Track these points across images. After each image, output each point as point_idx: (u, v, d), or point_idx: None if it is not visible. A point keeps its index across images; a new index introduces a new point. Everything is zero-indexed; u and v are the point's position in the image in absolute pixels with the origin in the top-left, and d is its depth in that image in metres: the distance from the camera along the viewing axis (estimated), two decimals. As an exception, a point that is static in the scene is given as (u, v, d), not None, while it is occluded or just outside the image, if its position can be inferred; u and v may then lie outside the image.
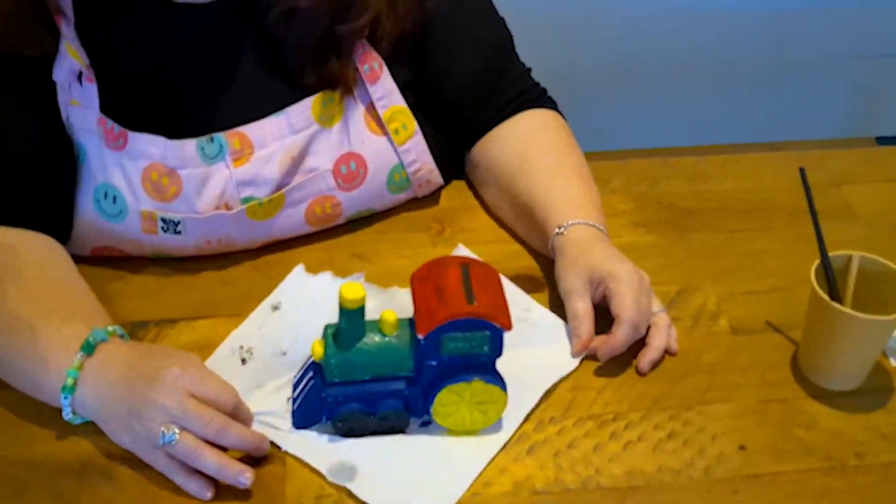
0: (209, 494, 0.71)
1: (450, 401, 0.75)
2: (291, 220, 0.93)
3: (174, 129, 0.86)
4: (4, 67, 0.83)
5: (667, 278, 0.93)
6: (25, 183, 0.85)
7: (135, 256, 0.92)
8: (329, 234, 0.97)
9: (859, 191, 1.06)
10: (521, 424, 0.78)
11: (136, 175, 0.86)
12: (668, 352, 0.85)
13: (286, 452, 0.75)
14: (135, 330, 0.86)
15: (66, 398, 0.74)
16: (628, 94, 1.68)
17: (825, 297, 0.78)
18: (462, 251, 0.94)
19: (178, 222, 0.88)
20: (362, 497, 0.72)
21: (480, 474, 0.75)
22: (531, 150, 0.97)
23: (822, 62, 1.75)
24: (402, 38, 0.92)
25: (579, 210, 0.89)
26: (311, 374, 0.76)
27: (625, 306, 0.81)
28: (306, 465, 0.75)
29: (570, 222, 0.88)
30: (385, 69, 0.92)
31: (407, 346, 0.74)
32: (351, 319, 0.72)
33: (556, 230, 0.88)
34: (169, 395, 0.70)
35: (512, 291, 0.89)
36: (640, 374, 0.83)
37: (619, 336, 0.81)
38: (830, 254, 0.81)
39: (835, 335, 0.79)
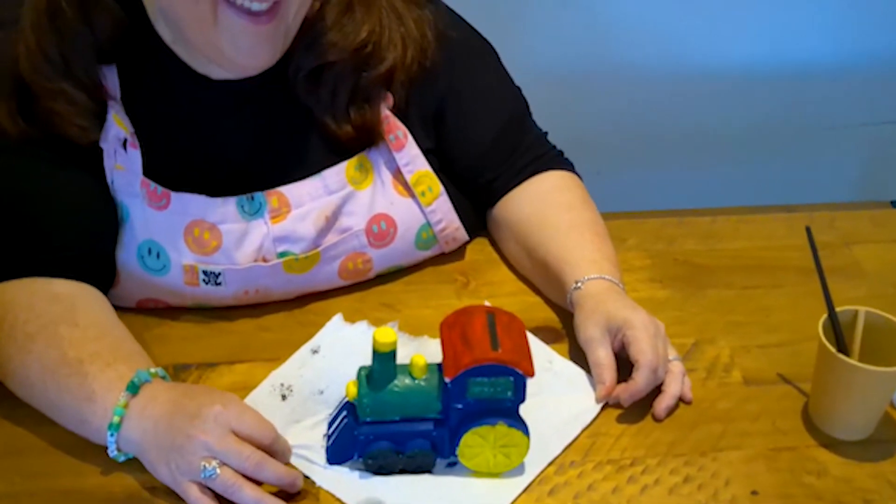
0: None
1: (475, 443, 0.79)
2: (325, 274, 0.98)
3: (212, 189, 0.92)
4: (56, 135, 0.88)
5: (682, 331, 0.97)
6: (72, 238, 0.90)
7: (176, 307, 0.97)
8: (360, 286, 1.02)
9: (868, 250, 1.10)
10: (544, 469, 0.82)
11: (179, 231, 0.92)
12: (682, 399, 0.89)
13: (319, 488, 0.79)
14: (177, 373, 0.91)
15: (111, 435, 0.78)
16: (643, 159, 1.73)
17: (833, 349, 0.82)
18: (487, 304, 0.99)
19: (219, 274, 0.93)
20: None
21: (503, 514, 0.79)
22: (547, 208, 1.02)
23: (836, 128, 1.80)
24: (422, 107, 0.98)
25: (594, 265, 0.94)
26: (344, 412, 0.81)
27: (643, 351, 0.85)
28: (338, 501, 0.79)
29: (586, 277, 0.93)
30: (409, 137, 0.98)
31: (435, 389, 0.79)
32: (383, 362, 0.77)
33: (574, 285, 0.93)
34: (210, 431, 0.75)
35: (535, 344, 0.93)
36: (657, 419, 0.87)
37: (640, 380, 0.85)
38: (838, 309, 0.85)
39: (843, 386, 0.83)
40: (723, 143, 1.76)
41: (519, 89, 1.07)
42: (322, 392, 0.87)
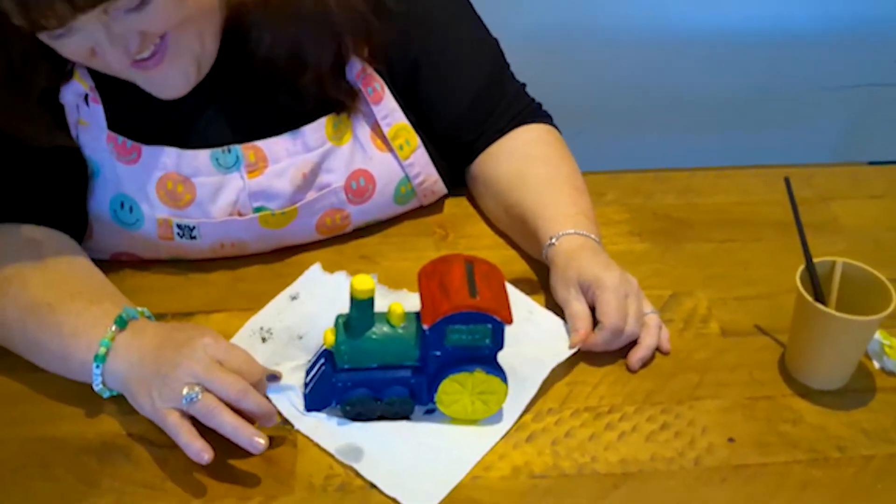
0: (207, 457, 0.73)
1: (453, 390, 0.79)
2: (302, 228, 0.97)
3: (186, 142, 0.91)
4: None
5: (660, 283, 0.97)
6: (42, 187, 0.89)
7: (152, 259, 0.96)
8: (338, 238, 1.01)
9: (846, 206, 1.10)
10: (521, 415, 0.82)
11: (151, 185, 0.90)
12: (659, 350, 0.89)
13: (298, 433, 0.79)
14: (153, 321, 0.90)
15: (97, 367, 0.78)
16: (622, 121, 1.72)
17: (810, 298, 0.82)
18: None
19: (194, 227, 0.92)
20: (368, 477, 0.76)
21: (481, 460, 0.79)
22: (524, 164, 1.01)
23: (814, 91, 1.81)
24: (397, 62, 0.96)
25: (569, 220, 0.94)
26: (322, 360, 0.80)
27: (606, 313, 0.85)
28: (316, 447, 0.79)
29: (561, 233, 0.92)
30: (387, 90, 0.97)
31: (413, 337, 0.78)
32: (361, 309, 0.77)
33: (549, 241, 0.92)
34: (198, 360, 0.75)
35: (515, 295, 0.93)
36: (630, 370, 0.87)
37: (598, 339, 0.86)
38: (815, 260, 0.85)
39: (819, 335, 0.83)
40: (702, 106, 1.76)
41: (496, 42, 1.05)
42: (301, 338, 0.87)
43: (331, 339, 0.78)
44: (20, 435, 0.80)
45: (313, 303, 0.91)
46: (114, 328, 0.78)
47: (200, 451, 0.74)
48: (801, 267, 0.85)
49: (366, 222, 1.02)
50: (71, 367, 0.80)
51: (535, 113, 1.07)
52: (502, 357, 0.80)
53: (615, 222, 1.06)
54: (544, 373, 0.84)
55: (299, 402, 0.81)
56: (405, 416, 0.81)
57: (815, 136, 1.87)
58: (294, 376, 0.83)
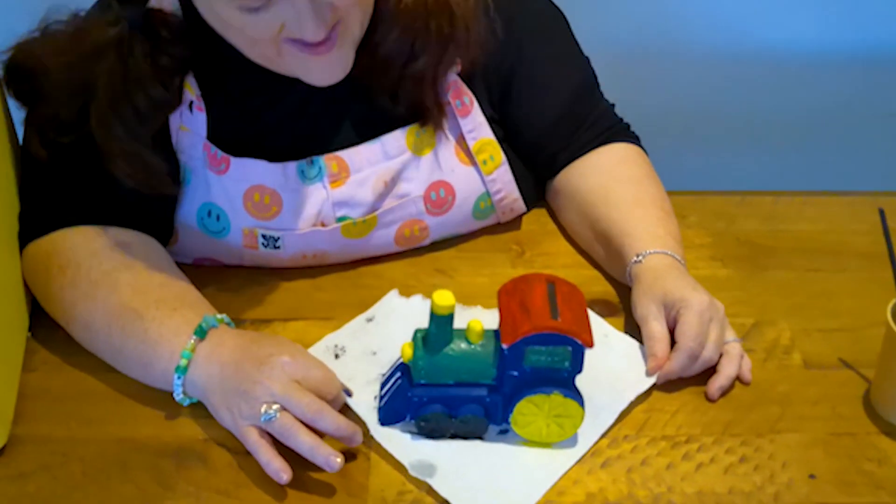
0: (286, 477, 0.74)
1: (529, 411, 0.78)
2: (381, 240, 0.98)
3: (272, 154, 0.91)
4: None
5: (742, 311, 0.95)
6: (134, 190, 0.90)
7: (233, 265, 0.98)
8: (414, 252, 1.01)
9: (936, 239, 1.07)
10: (597, 441, 0.81)
11: (238, 196, 0.91)
12: (740, 380, 0.87)
13: (371, 448, 0.79)
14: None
15: (178, 378, 0.79)
16: (704, 141, 1.69)
17: (901, 334, 0.80)
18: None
19: (278, 238, 0.93)
20: (443, 493, 0.76)
21: (554, 484, 0.78)
22: (612, 181, 1.01)
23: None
24: (488, 75, 0.96)
25: (657, 240, 0.93)
26: (398, 374, 0.80)
27: (685, 334, 0.84)
28: (390, 462, 0.79)
29: (647, 251, 0.91)
30: (476, 104, 0.97)
31: (491, 355, 0.78)
32: (440, 325, 0.76)
33: (635, 258, 0.91)
34: (276, 378, 0.76)
35: (591, 317, 0.92)
36: (710, 399, 0.85)
37: (674, 362, 0.84)
38: (907, 294, 0.83)
39: (909, 373, 0.81)
40: (787, 128, 1.72)
41: (587, 60, 1.05)
42: (375, 353, 0.87)
43: (409, 353, 0.78)
44: (98, 434, 0.81)
45: (388, 323, 0.91)
46: (194, 339, 0.79)
47: (279, 470, 0.74)
48: (893, 300, 0.82)
49: (443, 235, 1.02)
50: (153, 375, 0.81)
51: (623, 132, 1.06)
52: (577, 381, 0.79)
53: (697, 246, 1.04)
54: (623, 403, 0.83)
55: (372, 415, 0.81)
56: (479, 436, 0.80)
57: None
58: (367, 390, 0.83)
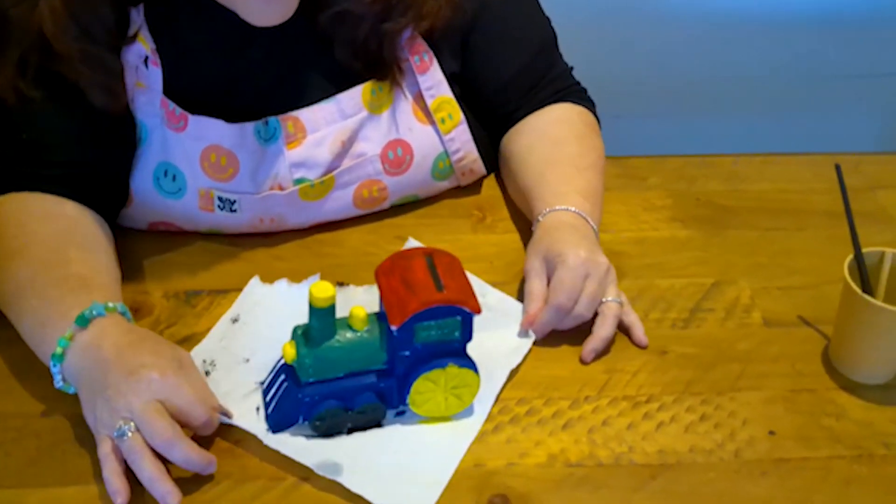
0: (119, 501, 0.70)
1: (426, 388, 0.76)
2: (340, 202, 0.96)
3: (231, 114, 0.90)
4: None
5: (702, 271, 0.95)
6: (81, 155, 0.89)
7: (190, 231, 0.96)
8: (374, 217, 1.00)
9: (894, 195, 1.07)
10: (493, 404, 0.80)
11: (196, 155, 0.90)
12: (635, 344, 0.87)
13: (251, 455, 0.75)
14: (189, 298, 0.90)
15: (54, 366, 0.75)
16: (664, 105, 1.69)
17: (857, 289, 0.80)
18: (412, 242, 0.96)
19: (234, 201, 0.92)
20: (355, 489, 0.72)
21: (517, 445, 0.78)
22: (537, 141, 1.00)
23: (863, 77, 1.76)
24: (448, 29, 0.95)
25: (559, 197, 0.92)
26: (282, 377, 0.76)
27: (554, 288, 0.84)
28: (271, 468, 0.75)
29: (547, 209, 0.91)
30: (434, 60, 0.96)
31: (379, 339, 0.75)
32: (322, 318, 0.73)
33: (538, 219, 0.91)
34: (138, 395, 0.71)
35: (470, 278, 0.89)
36: (583, 362, 0.85)
37: (542, 315, 0.85)
38: (864, 250, 0.83)
39: (866, 327, 0.81)
40: (746, 91, 1.72)
41: (548, 20, 1.04)
42: (248, 360, 0.82)
43: (291, 352, 0.74)
44: (53, 411, 0.79)
45: (256, 322, 0.86)
46: (74, 327, 0.75)
47: (115, 492, 0.70)
48: (850, 257, 0.83)
49: (403, 197, 1.01)
50: (42, 358, 0.78)
51: (575, 94, 1.05)
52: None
53: (658, 207, 1.04)
54: (514, 360, 0.83)
55: (259, 427, 0.76)
56: (377, 424, 0.78)
57: (862, 124, 1.82)
58: (248, 402, 0.78)
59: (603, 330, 0.85)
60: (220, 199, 0.91)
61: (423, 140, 0.97)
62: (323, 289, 0.72)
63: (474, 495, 0.74)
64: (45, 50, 0.83)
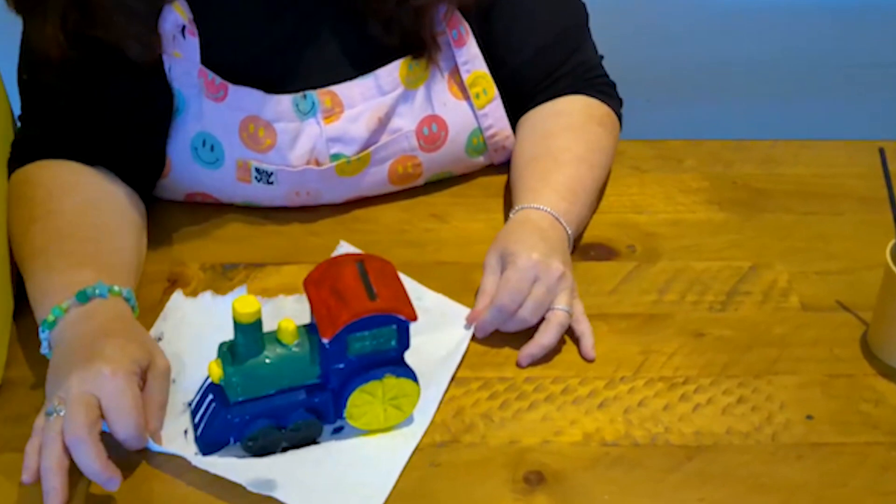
0: (25, 477, 0.68)
1: (363, 401, 0.73)
2: (375, 178, 0.96)
3: (267, 86, 0.90)
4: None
5: (738, 254, 0.95)
6: (119, 127, 0.89)
7: (225, 203, 0.96)
8: (409, 195, 1.00)
9: (933, 183, 1.06)
10: (435, 411, 0.77)
11: (234, 126, 0.90)
12: (584, 357, 0.83)
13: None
14: (225, 271, 0.90)
15: (43, 332, 0.75)
16: (698, 90, 1.68)
17: (899, 275, 0.79)
18: (345, 248, 0.92)
19: (272, 173, 0.92)
20: (290, 503, 0.69)
21: (552, 423, 0.78)
22: (528, 133, 0.98)
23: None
24: (480, 4, 0.93)
25: (533, 194, 0.89)
26: (210, 397, 0.73)
27: (500, 289, 0.82)
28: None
29: (518, 207, 0.89)
30: (471, 34, 0.94)
31: (310, 353, 0.72)
32: (247, 334, 0.69)
33: (510, 215, 0.89)
34: (80, 383, 0.69)
35: (404, 282, 0.86)
36: (518, 366, 0.82)
37: (485, 315, 0.82)
38: (906, 235, 0.82)
39: (906, 314, 0.81)
40: (784, 77, 1.70)
41: (583, 5, 1.01)
42: (174, 381, 0.78)
43: (217, 371, 0.70)
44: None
45: (180, 339, 0.82)
46: (72, 300, 0.74)
47: (25, 468, 0.68)
48: (892, 242, 0.82)
49: (437, 174, 1.00)
50: (38, 321, 0.77)
51: (594, 86, 1.00)
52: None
53: (694, 190, 1.03)
54: (452, 364, 0.80)
55: (189, 450, 0.73)
56: (313, 441, 0.74)
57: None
58: (176, 425, 0.75)
59: (543, 337, 0.82)
60: (257, 170, 0.91)
61: (457, 116, 0.97)
62: (247, 303, 0.68)
63: (509, 471, 0.74)
64: (82, 5, 0.83)
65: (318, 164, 0.92)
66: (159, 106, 0.89)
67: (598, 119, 0.98)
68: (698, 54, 1.63)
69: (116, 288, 0.77)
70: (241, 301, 0.68)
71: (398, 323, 0.71)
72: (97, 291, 0.76)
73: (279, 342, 0.71)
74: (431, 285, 0.88)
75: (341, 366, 0.71)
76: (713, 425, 0.78)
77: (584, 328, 0.84)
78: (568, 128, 0.97)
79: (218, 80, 0.89)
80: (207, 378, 0.74)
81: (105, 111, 0.88)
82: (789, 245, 0.96)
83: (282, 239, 0.94)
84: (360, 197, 0.98)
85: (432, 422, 0.77)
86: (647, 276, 0.92)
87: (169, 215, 0.95)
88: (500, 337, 0.84)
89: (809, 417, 0.79)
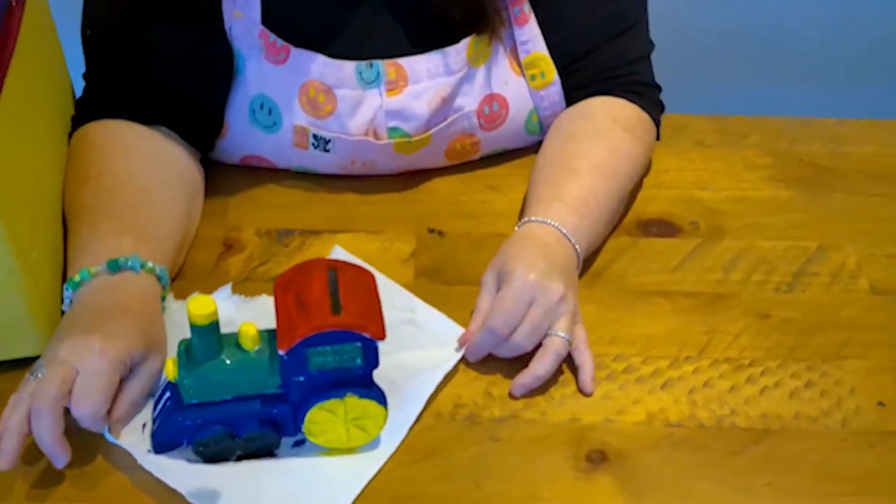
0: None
1: (322, 418, 0.68)
2: (432, 153, 0.94)
3: (331, 50, 0.87)
4: None
5: (805, 234, 0.92)
6: (178, 86, 0.87)
7: (280, 169, 0.95)
8: (467, 166, 0.98)
9: None
10: (405, 436, 0.73)
11: (294, 89, 0.88)
12: (581, 391, 0.77)
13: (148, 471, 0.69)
14: (281, 237, 0.89)
15: (67, 290, 0.74)
16: (767, 67, 1.63)
17: (980, 259, 0.76)
18: (339, 252, 0.87)
19: (329, 140, 0.90)
20: None
21: (614, 402, 0.76)
22: (552, 135, 0.93)
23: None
24: None
25: (542, 206, 0.83)
26: (168, 394, 0.70)
27: (492, 310, 0.76)
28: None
29: (526, 219, 0.83)
30: (532, 14, 0.91)
31: (269, 361, 0.67)
32: (202, 336, 0.65)
33: (516, 227, 0.84)
34: (70, 352, 0.68)
35: (395, 293, 0.83)
36: (511, 396, 0.76)
37: (476, 338, 0.77)
38: None
39: None
40: (852, 59, 1.65)
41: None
42: None
43: (173, 370, 0.66)
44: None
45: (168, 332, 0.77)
46: (103, 267, 0.73)
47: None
48: (972, 226, 0.79)
49: (494, 150, 0.98)
50: (68, 276, 0.77)
51: (627, 87, 0.93)
52: (380, 368, 0.68)
53: (758, 166, 1.00)
54: (430, 387, 0.75)
55: (144, 444, 0.70)
56: (270, 452, 0.70)
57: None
58: (139, 416, 0.72)
59: (537, 366, 0.75)
60: (315, 136, 0.89)
61: (518, 93, 0.94)
62: (202, 304, 0.64)
63: (571, 449, 0.73)
64: None
65: (376, 135, 0.90)
66: (219, 66, 0.87)
67: (625, 123, 0.91)
68: (764, 32, 1.58)
69: (150, 264, 0.75)
70: (196, 301, 0.64)
71: (363, 341, 0.66)
72: (129, 263, 0.74)
73: (239, 346, 0.67)
74: (486, 258, 0.83)
75: (301, 379, 0.67)
76: (780, 409, 0.76)
77: (584, 358, 0.77)
78: (589, 132, 0.90)
79: (279, 42, 0.86)
80: None
81: (166, 69, 0.87)
82: (858, 226, 0.93)
83: (336, 207, 0.92)
84: (414, 170, 0.96)
85: (490, 395, 0.76)
86: (712, 253, 0.89)
87: (223, 179, 0.94)
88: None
89: (881, 404, 0.76)
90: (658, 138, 0.96)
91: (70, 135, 0.88)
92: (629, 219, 0.93)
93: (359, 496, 0.69)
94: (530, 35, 0.92)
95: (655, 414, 0.75)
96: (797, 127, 1.07)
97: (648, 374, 0.78)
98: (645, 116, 0.93)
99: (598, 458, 0.72)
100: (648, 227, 0.92)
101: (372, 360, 0.67)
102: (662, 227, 0.92)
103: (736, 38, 1.53)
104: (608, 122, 0.91)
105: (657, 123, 0.95)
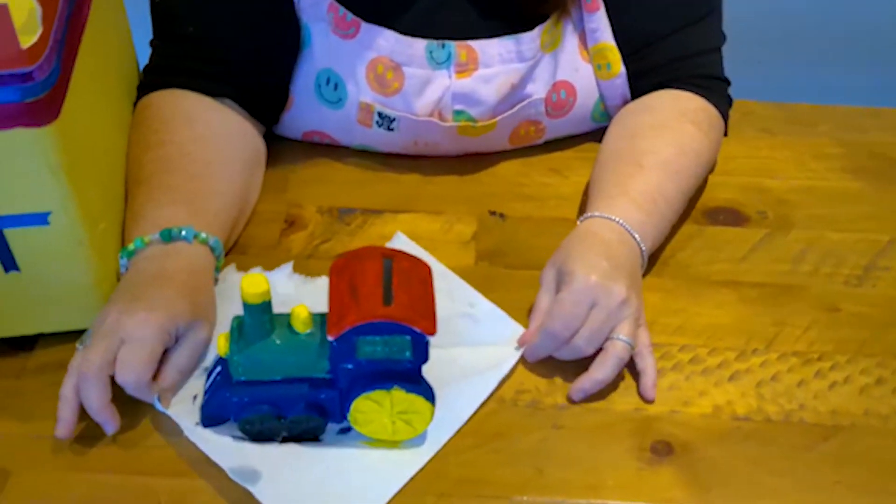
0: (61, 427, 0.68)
1: (368, 408, 0.68)
2: (496, 138, 0.93)
3: (402, 27, 0.86)
4: None
5: (875, 226, 0.90)
6: (244, 59, 0.87)
7: (341, 146, 0.94)
8: (530, 149, 0.96)
9: None
10: (453, 435, 0.71)
11: (362, 65, 0.87)
12: (642, 396, 0.74)
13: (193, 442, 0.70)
14: (342, 216, 0.88)
15: (122, 258, 0.75)
16: (833, 54, 1.60)
17: None
18: (400, 239, 0.85)
19: (394, 119, 0.89)
20: (264, 502, 0.66)
21: (680, 393, 0.75)
22: (614, 128, 0.90)
23: None
24: None
25: (607, 202, 0.80)
26: (219, 369, 0.71)
27: (551, 313, 0.74)
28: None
29: (588, 214, 0.80)
30: (602, 4, 0.89)
31: (320, 345, 0.67)
32: (254, 315, 0.65)
33: (578, 221, 0.81)
34: (116, 322, 0.68)
35: (455, 285, 0.81)
36: (570, 401, 0.74)
37: (535, 340, 0.75)
38: None
39: None
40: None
41: None
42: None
43: (224, 346, 0.66)
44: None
45: (223, 304, 0.77)
46: (157, 236, 0.74)
47: (61, 396, 0.68)
48: None
49: (558, 136, 0.96)
50: (124, 243, 0.78)
51: (692, 82, 0.90)
52: (433, 362, 0.67)
53: (828, 156, 0.98)
54: (486, 389, 0.73)
55: (193, 417, 0.71)
56: (316, 437, 0.70)
57: None
58: (190, 387, 0.72)
59: (598, 370, 0.73)
60: (379, 114, 0.88)
61: (586, 81, 0.92)
62: (254, 283, 0.63)
63: (636, 439, 0.72)
64: None
65: (441, 117, 0.89)
66: (286, 38, 0.86)
67: (692, 116, 0.88)
68: (830, 17, 1.55)
69: (203, 235, 0.75)
70: (249, 280, 0.63)
71: (413, 335, 0.65)
72: (183, 234, 0.74)
73: (290, 328, 0.67)
74: (548, 242, 0.82)
75: (349, 366, 0.66)
76: (850, 405, 0.74)
77: (647, 364, 0.75)
78: (655, 126, 0.88)
79: (350, 15, 0.85)
80: None
81: (233, 40, 0.86)
82: (931, 220, 0.91)
83: (398, 186, 0.92)
84: (476, 152, 0.95)
85: (553, 381, 0.75)
86: (780, 244, 0.87)
87: (284, 155, 0.93)
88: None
89: (955, 405, 0.75)
90: (726, 134, 0.94)
91: (135, 103, 0.88)
92: (696, 206, 0.91)
93: (421, 478, 0.69)
94: (599, 23, 0.89)
95: (722, 406, 0.74)
96: (868, 117, 1.04)
97: (715, 365, 0.77)
98: (712, 110, 0.90)
99: (663, 450, 0.71)
100: (716, 216, 0.90)
101: (422, 354, 0.66)
102: (729, 216, 0.90)
103: (805, 23, 1.50)
104: (674, 115, 0.88)
105: (725, 118, 0.92)
